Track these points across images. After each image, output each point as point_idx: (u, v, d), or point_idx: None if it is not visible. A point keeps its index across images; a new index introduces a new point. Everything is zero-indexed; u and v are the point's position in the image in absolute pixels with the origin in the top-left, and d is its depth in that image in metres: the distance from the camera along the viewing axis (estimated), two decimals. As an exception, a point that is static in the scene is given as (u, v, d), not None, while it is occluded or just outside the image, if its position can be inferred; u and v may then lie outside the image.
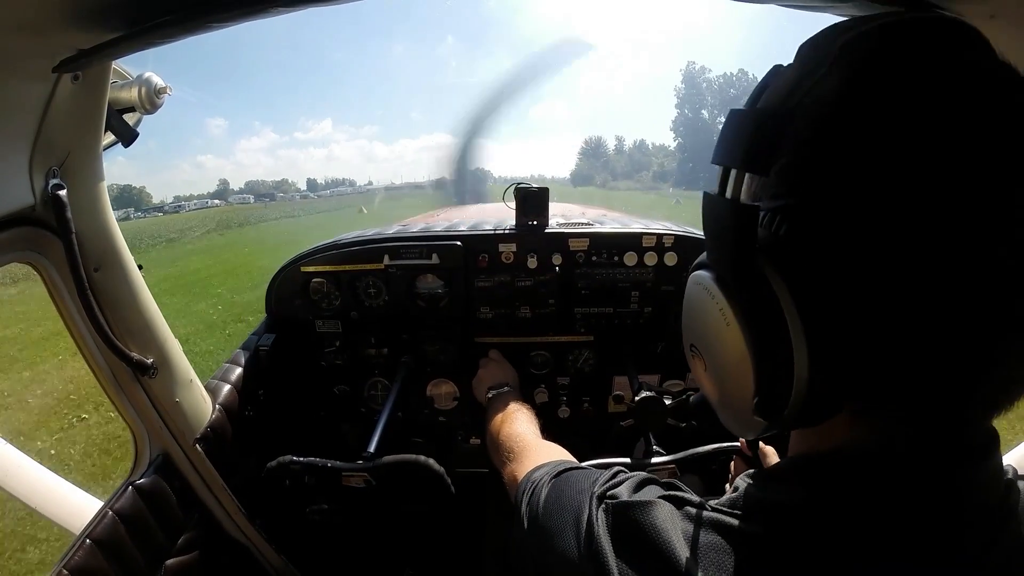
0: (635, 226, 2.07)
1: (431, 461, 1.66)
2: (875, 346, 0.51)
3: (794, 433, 0.71)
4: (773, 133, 0.54)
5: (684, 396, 1.70)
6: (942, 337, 0.49)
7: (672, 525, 0.62)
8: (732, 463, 1.38)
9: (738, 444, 1.37)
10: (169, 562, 1.54)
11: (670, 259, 1.99)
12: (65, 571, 1.23)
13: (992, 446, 0.57)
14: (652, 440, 1.78)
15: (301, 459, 1.67)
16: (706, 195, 0.61)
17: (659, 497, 0.67)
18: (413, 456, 1.66)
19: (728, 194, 0.58)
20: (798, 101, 0.54)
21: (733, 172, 0.58)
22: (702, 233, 1.98)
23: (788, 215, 0.54)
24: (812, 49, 0.57)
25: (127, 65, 1.21)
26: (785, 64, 0.61)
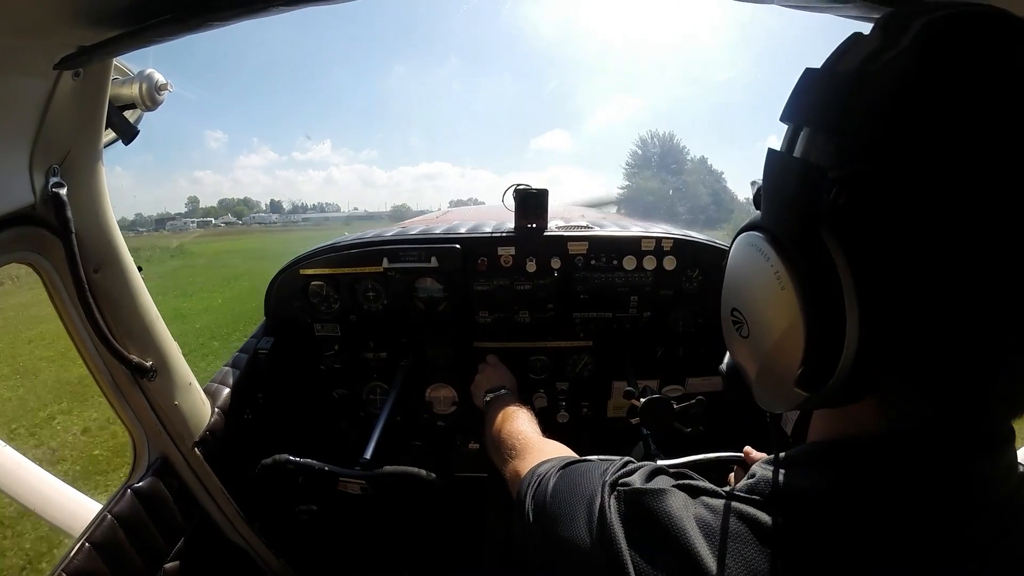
0: (634, 230, 2.07)
1: (433, 476, 1.65)
2: (921, 328, 0.50)
3: (816, 418, 0.70)
4: (851, 96, 0.54)
5: (694, 401, 1.70)
6: (986, 329, 0.49)
7: (686, 513, 0.62)
8: (732, 474, 1.37)
9: (741, 455, 1.36)
10: (167, 566, 1.54)
11: (669, 263, 1.99)
12: (64, 574, 1.23)
13: (1009, 440, 0.57)
14: (652, 444, 1.78)
15: (297, 459, 1.66)
16: (771, 152, 0.60)
17: (673, 486, 0.67)
18: (415, 469, 1.65)
19: (797, 154, 0.58)
20: (879, 69, 0.53)
21: (804, 132, 0.58)
22: (701, 237, 1.99)
23: (853, 185, 0.52)
24: (895, 20, 0.55)
25: (128, 62, 1.21)
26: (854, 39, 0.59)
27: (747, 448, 1.35)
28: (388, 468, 1.63)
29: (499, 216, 2.30)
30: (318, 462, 1.66)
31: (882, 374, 0.54)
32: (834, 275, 0.52)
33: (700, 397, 1.73)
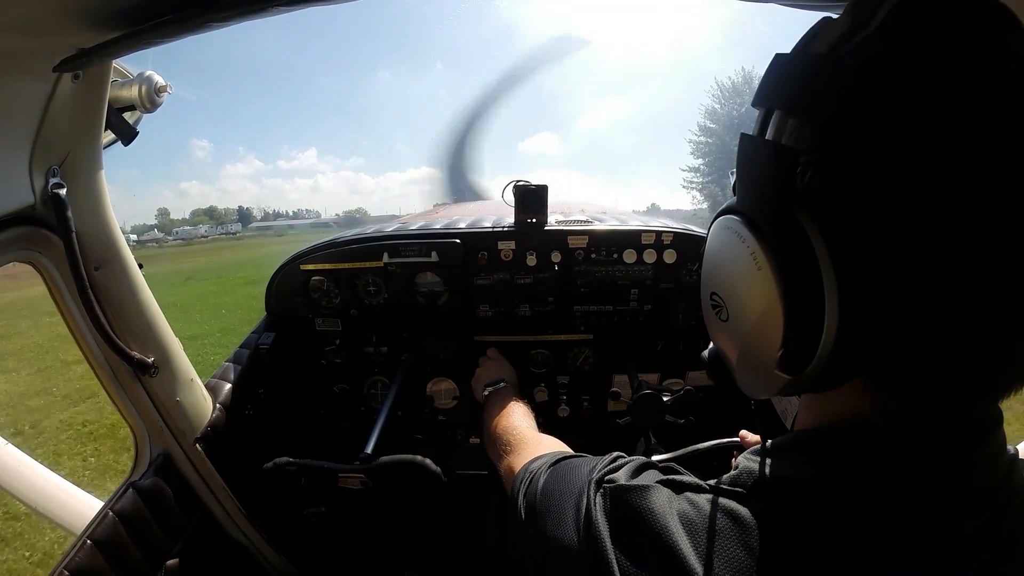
0: (634, 223, 2.07)
1: (427, 461, 1.66)
2: (900, 307, 0.50)
3: (802, 406, 0.70)
4: (821, 78, 0.54)
5: (681, 392, 1.73)
6: (963, 307, 0.49)
7: (669, 509, 0.62)
8: (733, 459, 1.39)
9: (737, 439, 1.38)
10: (169, 562, 1.54)
11: (669, 256, 1.99)
12: (66, 572, 1.23)
13: (996, 425, 0.57)
14: (652, 438, 1.79)
15: (297, 460, 1.67)
16: (744, 136, 0.60)
17: (657, 482, 0.67)
18: (409, 456, 1.66)
19: (769, 137, 0.58)
20: (848, 51, 0.53)
21: (776, 115, 0.58)
22: (701, 230, 2.01)
23: (824, 167, 0.52)
24: (865, 2, 0.54)
25: (127, 63, 1.21)
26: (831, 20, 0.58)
27: (742, 432, 1.38)
28: (384, 458, 1.65)
29: (499, 211, 2.30)
30: (317, 461, 1.68)
31: (864, 356, 0.54)
32: (811, 255, 0.52)
33: (689, 388, 1.75)
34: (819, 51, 0.56)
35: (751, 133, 0.62)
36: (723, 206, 0.66)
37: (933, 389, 0.54)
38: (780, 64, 0.59)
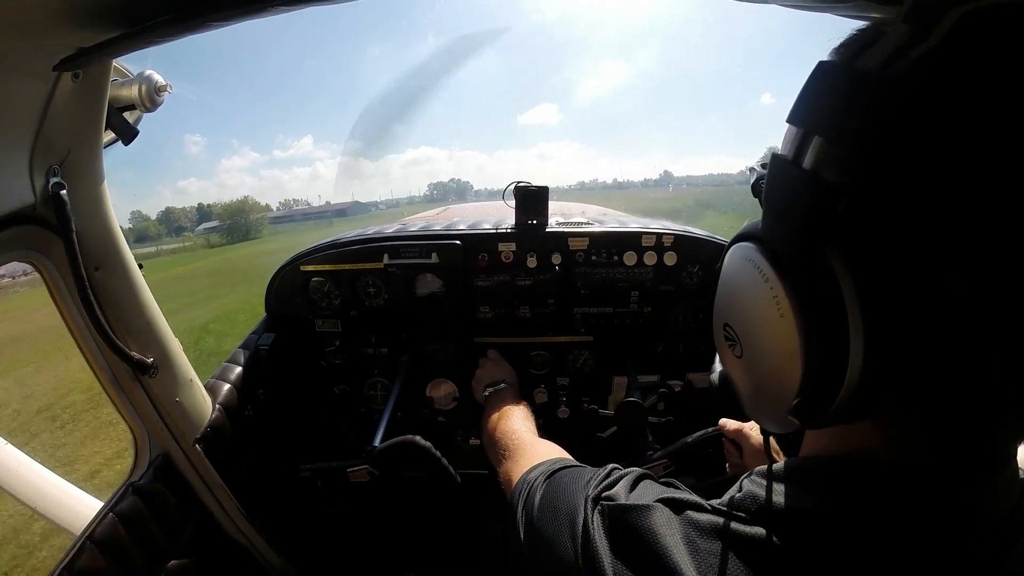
0: (634, 225, 2.07)
1: (417, 437, 1.70)
2: (934, 363, 0.47)
3: (809, 432, 0.68)
4: (872, 101, 0.47)
5: (655, 396, 1.80)
6: (999, 354, 0.45)
7: (670, 530, 0.61)
8: (724, 446, 1.43)
9: (718, 428, 1.41)
10: (170, 563, 1.54)
11: (669, 259, 1.99)
12: (66, 572, 1.23)
13: (1010, 458, 0.55)
14: (648, 434, 1.81)
15: (308, 466, 1.69)
16: (777, 157, 0.55)
17: (657, 500, 0.66)
18: (400, 437, 1.70)
19: (807, 164, 0.52)
20: (905, 69, 0.45)
21: (817, 140, 0.51)
22: (701, 232, 2.02)
23: (874, 206, 0.46)
24: (923, 9, 0.45)
25: (127, 63, 1.21)
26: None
27: (722, 420, 1.39)
28: (382, 444, 1.68)
29: (499, 213, 2.30)
30: (326, 462, 1.70)
31: (883, 405, 0.52)
32: (838, 305, 0.48)
33: (663, 389, 1.80)
34: (872, 67, 0.48)
35: (784, 153, 0.55)
36: (744, 227, 0.61)
37: (951, 429, 0.52)
38: (824, 79, 0.52)
